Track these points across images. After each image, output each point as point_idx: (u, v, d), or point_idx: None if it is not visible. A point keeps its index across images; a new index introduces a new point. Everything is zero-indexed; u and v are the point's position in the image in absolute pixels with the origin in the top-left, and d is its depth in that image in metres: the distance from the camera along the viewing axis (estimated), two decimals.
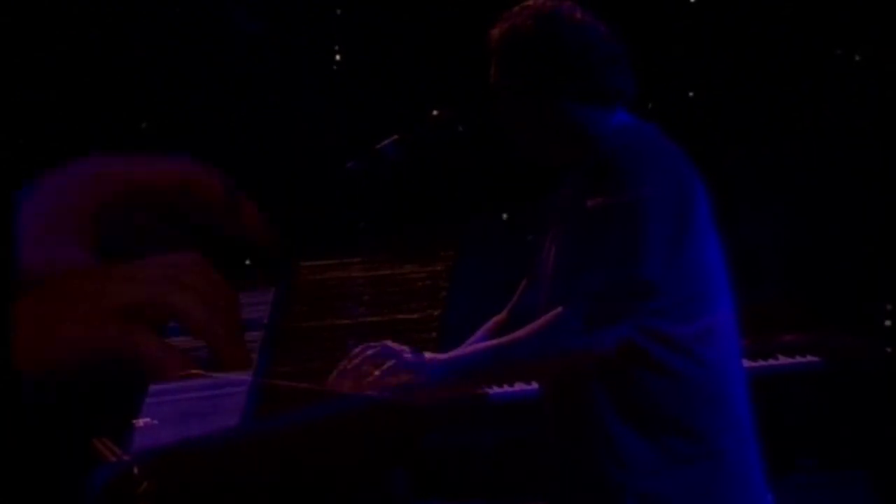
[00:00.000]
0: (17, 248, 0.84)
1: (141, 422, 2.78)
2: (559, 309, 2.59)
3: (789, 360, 4.18)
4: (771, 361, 4.16)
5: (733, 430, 2.69)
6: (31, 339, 0.78)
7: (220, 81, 5.21)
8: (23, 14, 4.64)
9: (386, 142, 3.20)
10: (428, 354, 2.73)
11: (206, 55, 5.20)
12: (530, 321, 2.71)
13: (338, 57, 5.24)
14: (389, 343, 2.72)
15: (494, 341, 2.76)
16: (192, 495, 3.13)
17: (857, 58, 5.14)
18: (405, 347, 2.71)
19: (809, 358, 4.18)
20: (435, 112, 3.23)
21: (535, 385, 2.99)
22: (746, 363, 4.07)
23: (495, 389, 3.87)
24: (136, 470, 2.93)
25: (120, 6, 5.07)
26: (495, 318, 3.01)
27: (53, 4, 4.93)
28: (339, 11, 5.29)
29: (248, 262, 3.03)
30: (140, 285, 0.78)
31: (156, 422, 2.74)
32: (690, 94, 5.08)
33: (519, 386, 3.82)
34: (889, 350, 3.93)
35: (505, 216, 4.63)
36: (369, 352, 2.69)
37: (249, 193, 4.75)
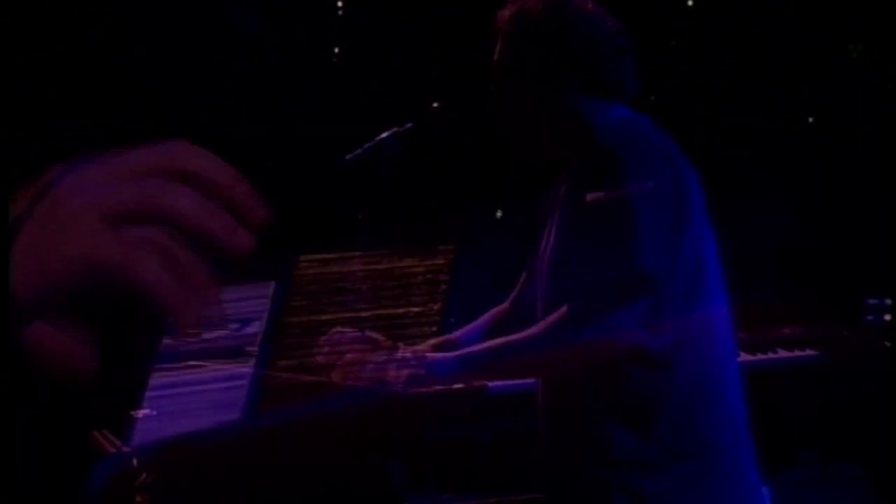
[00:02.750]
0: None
1: (140, 413, 2.79)
2: (564, 307, 2.56)
3: (788, 354, 4.18)
4: (770, 355, 4.17)
5: (726, 425, 2.66)
6: (26, 262, 0.72)
7: (219, 76, 5.22)
8: (23, 14, 4.64)
9: (385, 134, 3.20)
10: (433, 354, 2.72)
11: (205, 52, 5.20)
12: (531, 313, 2.71)
13: (336, 49, 5.24)
14: (392, 354, 2.71)
15: (502, 339, 2.71)
16: (191, 485, 3.14)
17: (857, 57, 5.14)
18: (407, 356, 2.69)
19: (808, 352, 4.19)
20: (435, 104, 3.24)
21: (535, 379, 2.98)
22: (746, 357, 4.08)
23: (495, 382, 3.88)
24: (135, 461, 2.94)
25: (120, 6, 5.07)
26: (497, 309, 2.99)
27: (54, 4, 4.93)
28: (340, 3, 5.30)
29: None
30: (132, 187, 0.72)
31: (155, 412, 2.74)
32: (689, 92, 5.08)
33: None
34: (889, 344, 3.93)
35: (503, 209, 4.63)
36: (367, 360, 2.69)
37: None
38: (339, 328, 2.74)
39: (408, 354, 2.69)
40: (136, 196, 0.80)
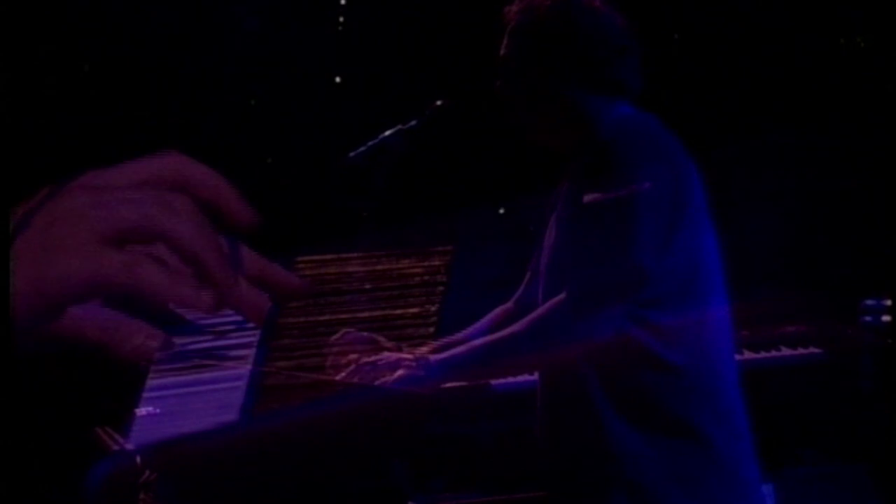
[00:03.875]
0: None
1: (143, 410, 2.79)
2: (553, 300, 2.60)
3: (792, 352, 4.18)
4: (773, 353, 4.16)
5: (724, 421, 2.67)
6: (22, 274, 0.72)
7: (219, 73, 5.21)
8: (23, 11, 4.64)
9: (389, 132, 3.19)
10: (424, 350, 2.74)
11: (205, 49, 5.20)
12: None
13: (339, 47, 5.24)
14: (386, 354, 2.74)
15: (490, 337, 2.76)
16: (194, 484, 3.14)
17: (857, 52, 5.12)
18: (401, 355, 2.72)
19: (812, 349, 4.18)
20: (438, 102, 3.23)
21: (537, 376, 2.99)
22: (749, 354, 4.08)
23: (498, 379, 3.88)
24: (138, 459, 2.94)
25: (121, 5, 5.06)
26: (502, 308, 3.00)
27: (54, 4, 4.93)
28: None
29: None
30: (130, 207, 0.73)
31: (157, 410, 2.75)
32: (692, 89, 5.06)
33: (522, 376, 3.82)
34: (890, 341, 3.91)
35: (504, 209, 4.63)
36: (365, 360, 2.72)
37: (249, 187, 4.75)
38: (346, 329, 2.78)
39: (405, 355, 2.71)
40: (134, 216, 0.79)
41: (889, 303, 3.69)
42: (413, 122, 3.21)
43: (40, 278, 0.77)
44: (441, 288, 2.71)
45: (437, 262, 2.71)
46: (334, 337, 2.80)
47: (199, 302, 0.81)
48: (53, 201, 0.79)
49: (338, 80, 5.24)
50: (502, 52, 2.83)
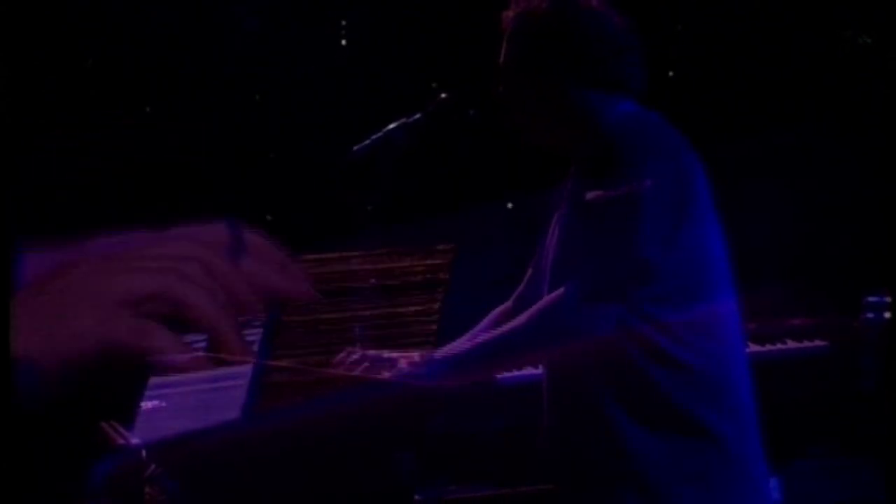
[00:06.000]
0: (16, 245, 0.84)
1: (148, 404, 2.80)
2: (553, 294, 2.61)
3: (797, 345, 4.18)
4: (779, 346, 4.16)
5: (734, 418, 2.67)
6: (35, 332, 0.75)
7: (222, 68, 5.21)
8: (23, 10, 4.64)
9: (393, 125, 3.19)
10: (425, 354, 2.76)
11: (205, 47, 5.19)
12: None
13: (344, 42, 5.23)
14: (383, 354, 2.76)
15: (491, 333, 2.78)
16: (200, 476, 3.14)
17: (859, 47, 5.10)
18: (404, 353, 2.75)
19: (818, 342, 4.18)
20: (443, 95, 3.23)
21: (543, 371, 2.99)
22: (755, 347, 4.07)
23: (503, 373, 3.88)
24: (144, 453, 2.95)
25: (121, 5, 5.06)
26: (501, 308, 3.01)
27: (55, 2, 4.92)
28: None
29: None
30: (146, 275, 0.76)
31: (163, 404, 2.75)
32: (695, 84, 5.05)
33: (528, 370, 3.82)
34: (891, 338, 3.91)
35: (509, 205, 4.63)
36: (362, 361, 2.75)
37: (250, 186, 4.76)
38: (349, 350, 2.81)
39: (409, 354, 2.73)
40: (151, 284, 0.84)
41: (890, 299, 3.68)
42: (417, 116, 3.20)
43: (54, 336, 0.81)
44: (444, 286, 2.72)
45: (439, 261, 2.72)
46: (338, 357, 2.83)
47: (199, 367, 0.86)
48: (70, 268, 0.83)
49: (342, 72, 5.22)
50: (501, 58, 2.84)
